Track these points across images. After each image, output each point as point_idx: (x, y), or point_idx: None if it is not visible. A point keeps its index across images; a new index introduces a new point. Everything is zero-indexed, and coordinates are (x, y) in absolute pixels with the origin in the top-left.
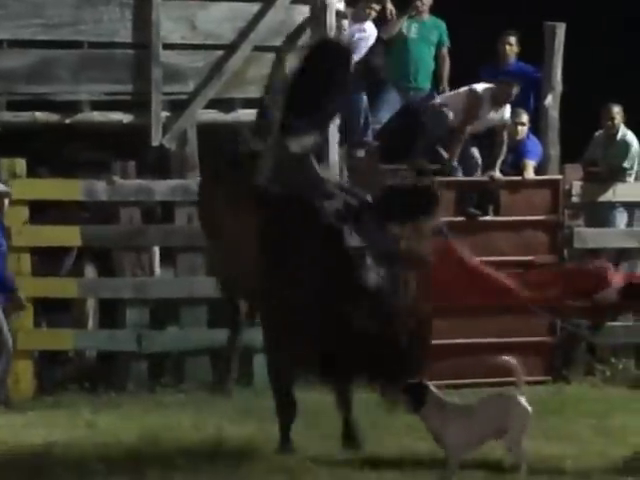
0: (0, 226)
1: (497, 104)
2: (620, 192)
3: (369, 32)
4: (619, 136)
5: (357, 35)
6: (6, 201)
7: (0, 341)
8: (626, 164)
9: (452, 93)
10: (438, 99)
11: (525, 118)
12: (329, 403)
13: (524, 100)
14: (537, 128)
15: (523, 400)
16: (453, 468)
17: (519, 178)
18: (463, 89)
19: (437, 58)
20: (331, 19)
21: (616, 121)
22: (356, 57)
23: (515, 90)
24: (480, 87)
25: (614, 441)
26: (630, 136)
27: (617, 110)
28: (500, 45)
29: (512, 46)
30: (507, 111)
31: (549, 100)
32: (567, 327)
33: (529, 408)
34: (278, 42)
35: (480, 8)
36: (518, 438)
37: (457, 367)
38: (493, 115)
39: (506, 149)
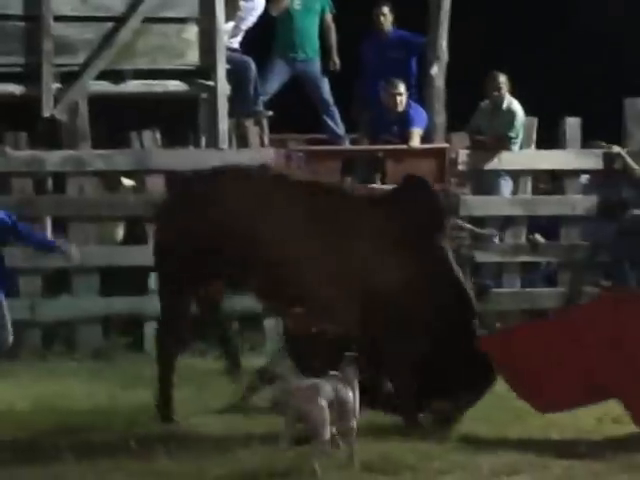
0: None
1: None
2: (505, 160)
3: (257, 2)
4: (504, 105)
5: (245, 5)
6: None
7: None
8: (512, 133)
9: None
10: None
11: (402, 88)
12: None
13: (406, 67)
14: (423, 97)
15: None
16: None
17: (405, 147)
18: None
19: (323, 26)
20: None
21: (502, 90)
22: (244, 27)
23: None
24: None
25: (499, 406)
26: (515, 105)
27: (502, 79)
28: (374, 16)
29: (385, 15)
30: None
31: (435, 69)
32: None
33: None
34: (168, 14)
35: None
36: (346, 429)
37: None
38: None
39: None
